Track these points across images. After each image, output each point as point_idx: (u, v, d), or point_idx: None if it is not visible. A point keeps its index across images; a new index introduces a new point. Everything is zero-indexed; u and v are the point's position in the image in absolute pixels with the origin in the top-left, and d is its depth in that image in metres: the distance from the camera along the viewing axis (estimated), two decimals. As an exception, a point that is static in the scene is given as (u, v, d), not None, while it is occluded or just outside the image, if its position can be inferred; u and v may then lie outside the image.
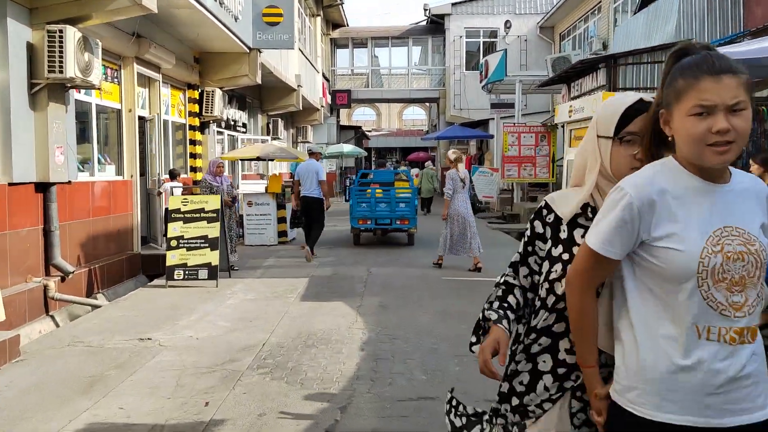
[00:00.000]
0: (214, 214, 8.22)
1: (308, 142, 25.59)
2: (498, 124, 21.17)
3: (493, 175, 19.86)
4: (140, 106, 10.34)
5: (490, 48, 26.45)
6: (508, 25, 26.85)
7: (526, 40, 26.97)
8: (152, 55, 9.88)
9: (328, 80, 28.76)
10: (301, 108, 19.36)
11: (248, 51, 12.70)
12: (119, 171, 9.79)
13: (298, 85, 19.03)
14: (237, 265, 9.60)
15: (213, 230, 8.15)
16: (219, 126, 14.95)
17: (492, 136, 23.06)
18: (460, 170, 9.29)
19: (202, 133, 13.02)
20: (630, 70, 13.25)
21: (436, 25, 28.70)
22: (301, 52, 20.30)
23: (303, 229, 10.80)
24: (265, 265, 10.12)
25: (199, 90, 12.78)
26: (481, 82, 20.18)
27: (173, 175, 10.49)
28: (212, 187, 9.19)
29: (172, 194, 9.00)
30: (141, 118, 10.34)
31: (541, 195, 17.06)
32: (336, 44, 30.49)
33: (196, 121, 12.71)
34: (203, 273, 8.06)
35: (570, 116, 12.66)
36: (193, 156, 12.61)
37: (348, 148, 25.30)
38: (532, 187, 18.92)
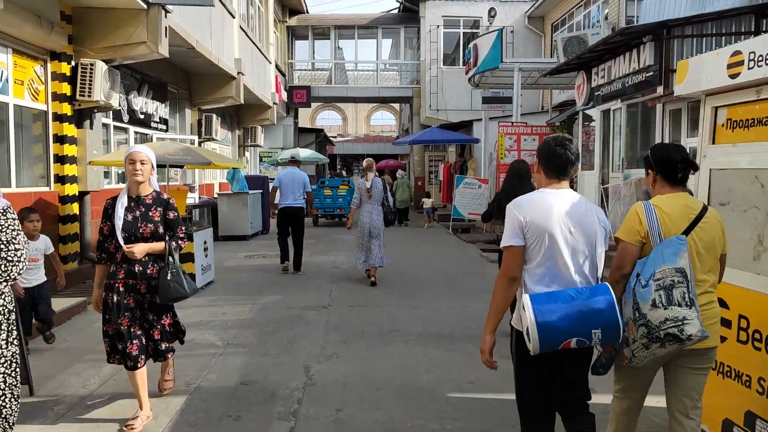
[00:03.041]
0: None
1: (258, 145, 21.47)
2: (487, 126, 17.44)
3: (481, 187, 16.08)
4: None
5: (471, 40, 22.77)
6: (492, 13, 23.07)
7: (512, 32, 23.34)
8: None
9: (284, 75, 24.70)
10: (241, 101, 15.28)
11: (146, 7, 8.66)
12: None
13: (239, 72, 14.97)
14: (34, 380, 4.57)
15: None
16: (115, 118, 10.80)
17: (477, 141, 19.31)
18: (369, 179, 8.85)
19: (79, 126, 8.88)
20: (687, 45, 9.59)
21: (409, 13, 24.93)
22: (243, 31, 16.23)
23: (279, 243, 9.82)
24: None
25: (73, 63, 8.66)
26: (467, 73, 16.40)
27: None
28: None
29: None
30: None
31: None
32: (294, 34, 26.47)
33: (66, 109, 8.57)
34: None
35: (737, 78, 8.83)
36: (61, 160, 8.46)
37: (305, 153, 21.24)
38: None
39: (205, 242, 8.41)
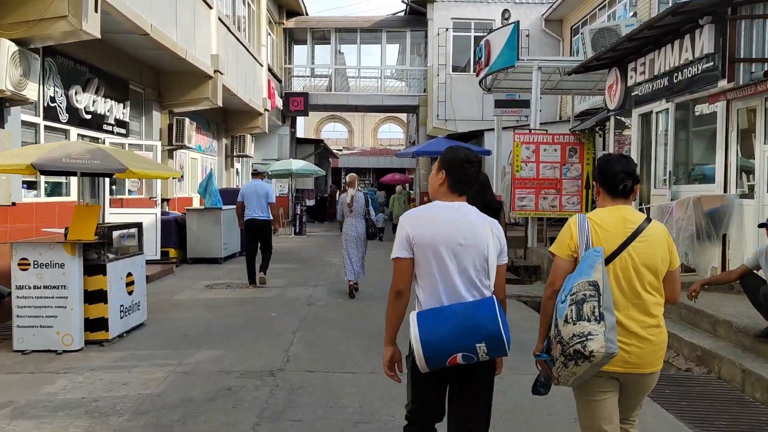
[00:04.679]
0: None
1: (247, 156, 19.55)
2: (500, 136, 15.40)
3: (493, 204, 13.99)
4: None
5: (483, 43, 20.78)
6: (506, 15, 20.87)
7: (527, 36, 21.36)
8: None
9: (280, 81, 22.84)
10: (219, 104, 13.35)
11: (65, -28, 6.76)
12: None
13: (216, 71, 13.05)
14: None
15: None
16: (48, 117, 8.87)
17: (489, 153, 17.26)
18: (349, 194, 8.99)
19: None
20: (758, 27, 7.53)
21: (416, 15, 23.03)
22: (225, 25, 14.34)
23: (247, 261, 9.65)
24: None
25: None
26: (477, 74, 14.40)
27: None
28: None
29: None
30: None
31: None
32: (293, 38, 24.65)
33: (-41, 100, 6.66)
34: None
35: None
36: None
37: (298, 164, 19.27)
38: (556, 223, 13.07)
39: (129, 274, 6.40)
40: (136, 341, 6.13)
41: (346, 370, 5.20)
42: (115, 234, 6.26)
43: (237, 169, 20.68)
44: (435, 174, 2.73)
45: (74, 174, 6.47)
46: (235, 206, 13.10)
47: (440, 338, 2.43)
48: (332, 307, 7.85)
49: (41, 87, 8.76)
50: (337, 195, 20.94)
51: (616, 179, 2.75)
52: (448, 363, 2.47)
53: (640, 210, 9.26)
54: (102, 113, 10.58)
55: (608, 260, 2.64)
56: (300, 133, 32.96)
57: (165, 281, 9.90)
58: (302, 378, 4.98)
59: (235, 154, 19.16)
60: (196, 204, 14.89)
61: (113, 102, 10.98)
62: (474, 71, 18.07)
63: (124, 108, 11.47)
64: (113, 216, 10.62)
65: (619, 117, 10.62)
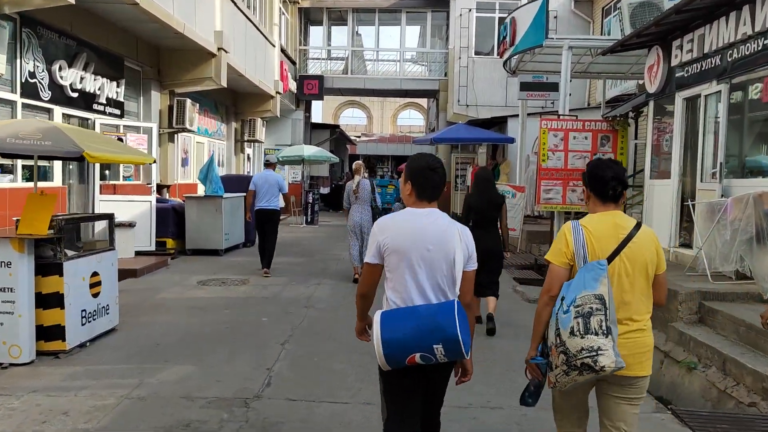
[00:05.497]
0: None
1: (258, 141, 18.69)
2: (525, 122, 14.35)
3: (516, 196, 13.03)
4: None
5: (508, 25, 19.59)
6: (533, -5, 19.91)
7: (555, 18, 20.02)
8: None
9: (294, 63, 21.92)
10: (223, 84, 12.48)
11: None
12: None
13: (220, 48, 12.17)
14: None
15: None
16: (27, 94, 8.05)
17: (513, 140, 16.22)
18: (355, 181, 9.11)
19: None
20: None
21: (438, -5, 21.91)
22: (232, 0, 13.42)
23: (258, 248, 9.80)
24: None
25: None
26: (501, 55, 13.34)
27: None
28: None
29: None
30: None
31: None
32: (309, 19, 23.69)
33: None
34: None
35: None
36: None
37: (310, 150, 18.35)
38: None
39: (95, 274, 5.56)
40: (98, 353, 5.29)
41: (337, 399, 4.30)
42: (70, 227, 5.40)
43: (248, 155, 19.87)
44: (403, 185, 2.81)
45: (24, 157, 5.62)
46: (239, 194, 12.40)
47: (400, 338, 2.51)
48: (331, 312, 6.95)
49: (18, 61, 7.96)
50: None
51: (607, 185, 2.80)
52: (407, 362, 2.54)
53: (685, 206, 8.21)
54: (92, 91, 9.76)
55: None
56: (318, 118, 32.02)
57: (155, 276, 9.10)
58: (281, 410, 4.09)
59: (245, 138, 18.32)
60: (201, 192, 14.09)
61: (105, 80, 10.16)
62: (498, 53, 16.98)
63: (118, 87, 10.65)
64: (103, 204, 9.84)
65: (659, 101, 9.52)
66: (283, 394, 4.37)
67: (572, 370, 2.55)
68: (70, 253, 5.22)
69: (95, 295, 5.57)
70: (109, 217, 6.03)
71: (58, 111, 8.92)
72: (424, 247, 2.62)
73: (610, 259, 2.68)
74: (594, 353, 2.48)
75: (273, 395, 4.34)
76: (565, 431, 2.95)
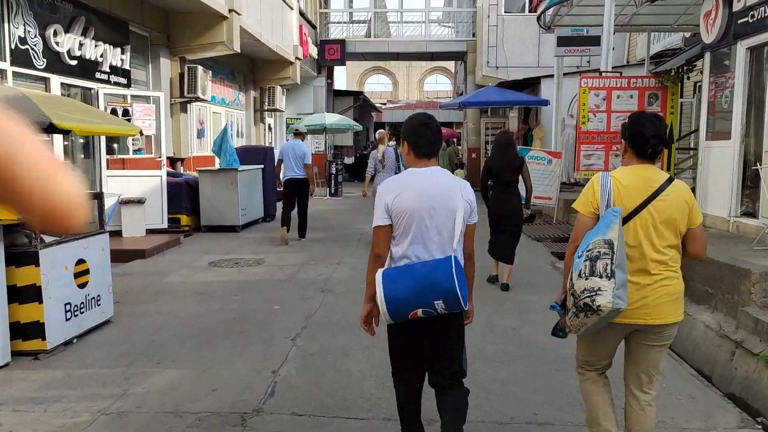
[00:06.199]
0: None
1: (278, 110, 17.93)
2: (560, 83, 13.32)
3: (552, 162, 12.10)
4: None
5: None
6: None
7: (591, -30, 18.71)
8: None
9: (314, 27, 20.98)
10: (236, 49, 11.70)
11: None
12: None
13: (231, 10, 11.37)
14: None
15: None
16: (18, 61, 7.39)
17: (547, 102, 15.18)
18: (380, 150, 9.24)
19: None
20: None
21: (464, -50, 20.65)
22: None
23: (282, 216, 9.84)
24: None
25: None
26: (535, 9, 12.28)
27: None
28: None
29: None
30: None
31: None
32: (329, -20, 22.63)
33: None
34: None
35: None
36: None
37: (332, 118, 17.54)
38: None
39: (81, 261, 4.91)
40: (84, 352, 4.66)
41: (351, 414, 3.59)
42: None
43: (269, 125, 19.16)
44: (402, 147, 2.87)
45: None
46: (256, 167, 11.74)
47: (402, 295, 2.60)
48: (350, 297, 6.23)
49: (7, 25, 7.28)
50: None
51: (647, 143, 2.76)
52: (409, 317, 2.64)
53: (750, 171, 7.25)
54: (93, 59, 9.08)
55: (629, 217, 2.70)
56: (341, 85, 31.10)
57: (165, 256, 8.49)
58: (284, 428, 3.40)
59: (265, 107, 17.58)
60: (218, 164, 13.41)
61: (108, 46, 9.46)
62: (531, 8, 15.84)
63: (123, 53, 9.94)
64: (110, 179, 9.24)
65: (717, 53, 8.47)
66: (288, 406, 3.68)
67: (579, 312, 2.62)
68: (47, 239, 4.57)
69: (82, 286, 4.93)
70: (99, 196, 5.35)
71: (56, 80, 8.26)
72: (430, 205, 2.70)
73: (637, 211, 2.69)
74: (593, 293, 2.54)
75: (276, 408, 3.65)
76: (590, 388, 2.94)
